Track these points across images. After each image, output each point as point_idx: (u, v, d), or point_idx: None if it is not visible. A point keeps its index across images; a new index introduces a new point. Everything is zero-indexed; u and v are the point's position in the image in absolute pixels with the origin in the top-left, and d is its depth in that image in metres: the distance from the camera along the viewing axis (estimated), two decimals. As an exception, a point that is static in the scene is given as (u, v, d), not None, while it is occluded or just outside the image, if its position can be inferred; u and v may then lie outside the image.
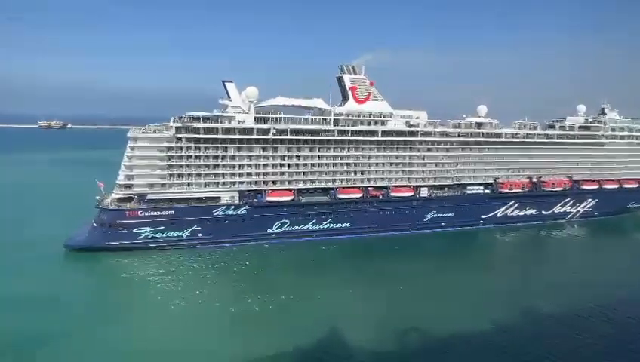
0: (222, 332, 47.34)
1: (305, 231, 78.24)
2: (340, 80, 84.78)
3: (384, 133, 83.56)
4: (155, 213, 69.85)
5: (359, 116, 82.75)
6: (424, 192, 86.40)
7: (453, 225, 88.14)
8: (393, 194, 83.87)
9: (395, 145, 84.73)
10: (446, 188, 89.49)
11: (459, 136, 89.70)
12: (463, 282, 62.49)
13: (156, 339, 44.89)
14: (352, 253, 75.73)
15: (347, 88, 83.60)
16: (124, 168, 69.77)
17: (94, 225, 68.39)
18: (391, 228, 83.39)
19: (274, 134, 75.77)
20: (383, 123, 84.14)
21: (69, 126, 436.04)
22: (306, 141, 78.82)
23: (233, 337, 46.27)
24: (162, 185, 71.26)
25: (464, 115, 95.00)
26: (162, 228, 70.04)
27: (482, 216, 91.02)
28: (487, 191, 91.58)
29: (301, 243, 76.65)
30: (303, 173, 79.31)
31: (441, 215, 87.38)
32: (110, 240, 67.94)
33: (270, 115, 76.70)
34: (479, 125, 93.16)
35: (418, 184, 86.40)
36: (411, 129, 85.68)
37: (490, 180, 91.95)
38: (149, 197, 70.42)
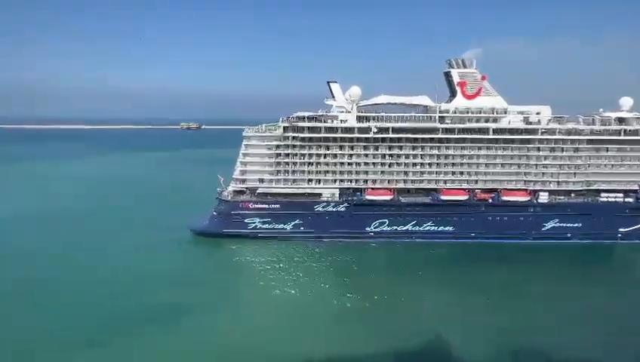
0: (321, 324, 48.28)
1: (404, 232, 76.68)
2: (448, 75, 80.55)
3: (496, 130, 76.68)
4: (264, 206, 76.36)
5: (467, 113, 77.52)
6: (543, 197, 76.75)
7: (581, 238, 76.43)
8: (505, 198, 76.48)
9: (510, 145, 77.06)
10: (572, 195, 77.98)
11: (591, 133, 77.25)
12: (593, 307, 53.36)
13: (257, 325, 47.77)
14: (454, 258, 71.30)
15: (455, 83, 79.01)
16: (239, 164, 77.82)
17: (214, 213, 77.83)
18: (501, 235, 76.19)
19: (375, 133, 75.96)
20: (495, 120, 77.37)
21: (203, 127, 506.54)
22: (408, 139, 77.09)
23: (332, 330, 46.53)
24: (270, 180, 77.49)
25: (600, 110, 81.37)
26: (269, 219, 76.22)
27: (621, 230, 76.87)
28: (629, 200, 77.01)
29: (399, 244, 75.37)
30: (404, 172, 77.75)
31: (565, 224, 76.53)
32: (226, 227, 76.51)
33: (372, 114, 77.08)
34: (621, 121, 78.80)
35: (536, 188, 77.17)
36: (529, 126, 76.91)
37: (635, 187, 77.05)
38: (259, 190, 77.32)
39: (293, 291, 56.42)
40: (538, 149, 77.14)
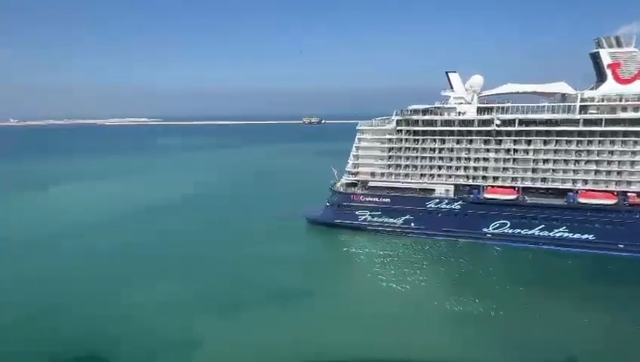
0: (431, 326, 46.37)
1: (529, 237, 68.57)
2: (596, 56, 68.36)
3: (661, 121, 62.44)
4: (374, 199, 76.97)
5: (621, 101, 64.79)
6: None
7: None
8: None
9: None
10: None
11: None
12: None
13: (364, 316, 48.32)
14: (596, 273, 60.78)
15: (605, 66, 66.70)
16: (352, 157, 79.86)
17: (327, 204, 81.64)
18: None
19: (498, 125, 69.35)
20: (660, 108, 62.95)
21: (323, 121, 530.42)
22: (538, 133, 68.38)
23: (444, 334, 44.64)
24: (382, 174, 77.60)
25: None
26: (379, 213, 76.57)
27: None
28: None
29: (522, 250, 67.73)
30: (533, 169, 69.29)
31: None
32: (338, 218, 79.58)
33: (495, 105, 70.47)
34: None
35: None
36: None
37: None
38: (370, 184, 78.18)
39: (401, 287, 55.66)
40: None
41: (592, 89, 68.26)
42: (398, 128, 75.66)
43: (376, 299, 53.47)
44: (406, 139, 75.55)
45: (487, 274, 60.44)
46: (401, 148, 75.95)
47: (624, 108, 64.61)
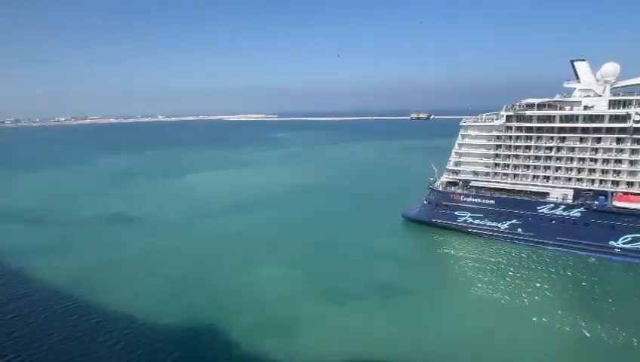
0: (533, 347, 41.01)
1: (673, 256, 56.70)
2: None
3: None
4: (477, 200, 71.84)
5: None
6: None
7: None
8: None
9: None
10: None
11: None
12: None
13: (452, 321, 46.33)
14: None
15: None
16: (453, 155, 75.74)
17: (424, 202, 78.92)
18: None
19: (636, 121, 58.46)
20: None
21: (432, 117, 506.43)
22: (694, 130, 55.77)
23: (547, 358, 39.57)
24: (487, 173, 71.98)
25: None
26: (481, 215, 71.25)
27: None
28: None
29: (663, 271, 56.30)
30: (683, 175, 56.87)
31: None
32: (435, 217, 76.41)
33: (634, 97, 59.46)
34: None
35: None
36: None
37: None
38: (473, 183, 73.18)
39: (497, 298, 50.95)
40: None
41: None
42: (508, 124, 69.17)
43: (473, 307, 49.93)
44: (517, 137, 68.71)
45: (615, 296, 51.16)
46: (510, 146, 69.38)
47: None
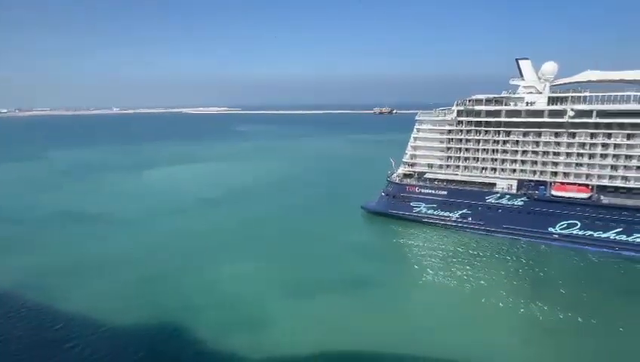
0: (486, 327, 44.26)
1: (603, 241, 62.20)
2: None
3: None
4: (430, 191, 75.29)
5: None
6: None
7: None
8: None
9: None
10: None
11: None
12: None
13: (408, 310, 48.44)
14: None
15: None
16: (409, 148, 78.68)
17: (382, 194, 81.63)
18: None
19: (571, 117, 63.39)
20: None
21: (394, 112, 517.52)
22: (621, 125, 61.27)
23: (498, 338, 42.59)
24: (440, 166, 75.46)
25: None
26: (435, 206, 74.78)
27: None
28: None
29: (595, 254, 61.66)
30: (611, 166, 62.46)
31: None
32: (393, 209, 79.30)
33: (569, 94, 64.38)
34: None
35: None
36: None
37: None
38: (427, 176, 76.52)
39: (453, 284, 54.11)
40: None
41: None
42: (459, 119, 72.78)
43: (423, 293, 52.84)
44: (467, 131, 72.45)
45: (556, 278, 56.01)
46: (461, 139, 73.07)
47: None
